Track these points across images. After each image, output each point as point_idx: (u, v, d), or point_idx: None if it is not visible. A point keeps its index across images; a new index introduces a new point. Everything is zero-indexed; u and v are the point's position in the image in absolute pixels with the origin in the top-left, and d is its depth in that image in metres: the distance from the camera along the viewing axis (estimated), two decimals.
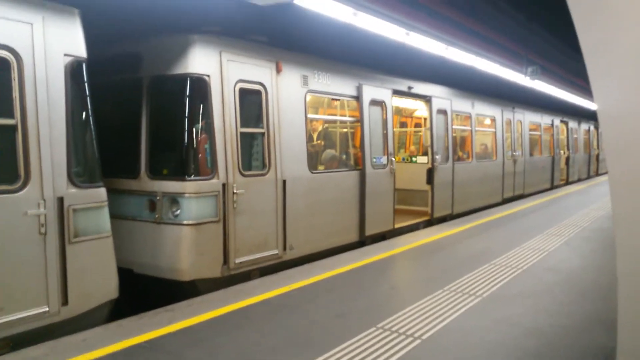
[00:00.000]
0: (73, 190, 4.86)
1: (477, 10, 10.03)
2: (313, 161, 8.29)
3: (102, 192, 5.16)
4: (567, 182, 21.73)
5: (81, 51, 5.02)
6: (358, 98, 8.87)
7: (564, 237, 9.37)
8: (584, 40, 2.95)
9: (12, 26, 4.47)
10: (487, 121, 14.84)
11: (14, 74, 4.49)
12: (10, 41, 4.45)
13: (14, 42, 4.47)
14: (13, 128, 4.48)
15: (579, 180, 23.44)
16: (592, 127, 25.74)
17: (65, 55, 4.88)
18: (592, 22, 2.88)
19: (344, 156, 9.54)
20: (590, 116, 24.44)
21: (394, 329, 4.93)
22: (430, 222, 11.21)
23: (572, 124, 22.53)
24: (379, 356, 4.32)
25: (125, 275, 5.82)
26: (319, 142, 9.20)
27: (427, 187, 11.30)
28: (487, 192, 14.23)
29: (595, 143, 26.71)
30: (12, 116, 4.47)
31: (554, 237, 9.43)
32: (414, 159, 12.68)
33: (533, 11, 12.19)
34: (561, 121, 21.02)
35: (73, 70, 4.93)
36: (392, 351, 4.42)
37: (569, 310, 5.49)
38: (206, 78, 6.28)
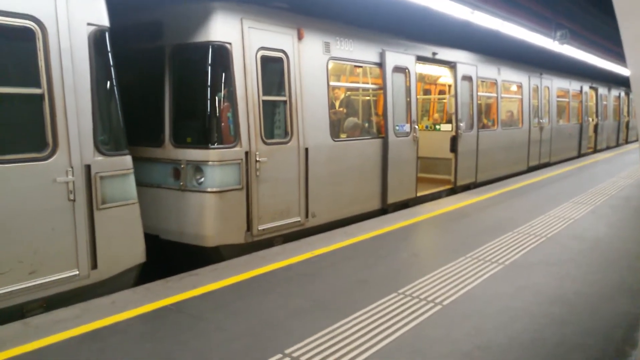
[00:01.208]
0: (99, 158, 4.96)
1: None
2: (335, 129, 8.27)
3: (127, 159, 5.25)
4: (595, 150, 21.27)
5: (104, 20, 5.04)
6: (381, 65, 8.75)
7: (590, 206, 9.23)
8: (618, 1, 2.84)
9: None
10: (514, 88, 14.52)
11: (39, 44, 4.54)
12: (34, 11, 4.48)
13: (38, 12, 4.51)
14: (40, 97, 4.56)
15: (608, 148, 22.91)
16: (622, 94, 24.98)
17: (89, 24, 4.90)
18: None
19: (367, 124, 9.47)
20: (621, 82, 23.68)
21: (415, 294, 4.97)
22: (454, 190, 11.15)
23: (602, 90, 21.90)
24: (399, 320, 4.38)
25: (152, 241, 5.97)
26: (341, 109, 9.15)
27: (451, 155, 11.18)
28: (512, 160, 14.04)
29: (625, 110, 25.96)
30: (38, 85, 4.55)
31: (580, 205, 9.30)
32: (437, 126, 12.54)
33: None
34: (590, 87, 20.45)
35: (96, 40, 4.96)
36: (412, 316, 4.47)
37: (593, 279, 5.45)
38: (228, 46, 6.26)
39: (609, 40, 16.08)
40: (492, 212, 8.83)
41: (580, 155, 19.26)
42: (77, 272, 4.82)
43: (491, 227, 7.72)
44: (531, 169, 15.01)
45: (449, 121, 11.88)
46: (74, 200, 4.76)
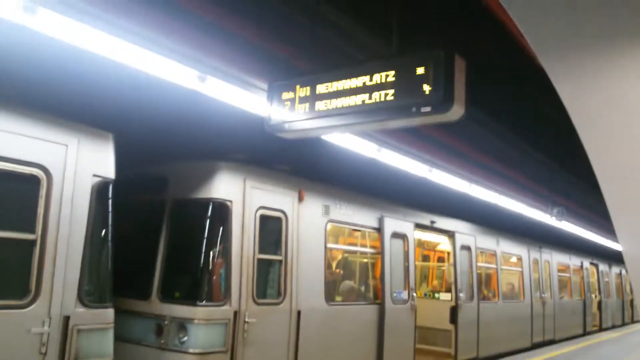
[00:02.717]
0: (81, 309, 4.73)
1: (498, 151, 10.27)
2: (330, 292, 8.05)
3: (110, 313, 5.01)
4: (601, 329, 20.50)
5: (110, 172, 5.18)
6: (379, 230, 8.83)
7: None
8: (602, 180, 2.93)
9: (48, 147, 4.67)
10: (514, 259, 14.49)
11: (42, 191, 4.61)
12: (43, 160, 4.63)
13: (47, 161, 4.64)
14: (32, 243, 4.51)
15: (614, 326, 22.10)
16: (623, 271, 24.84)
17: (94, 175, 5.02)
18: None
19: (363, 288, 9.26)
20: (620, 260, 23.70)
21: None
22: None
23: (603, 267, 21.82)
24: None
25: None
26: (337, 271, 9.02)
27: (451, 327, 10.74)
28: (515, 335, 13.44)
29: (628, 288, 25.60)
30: (33, 231, 4.52)
31: None
32: (436, 295, 12.25)
33: (556, 153, 12.45)
34: (591, 263, 20.41)
35: (99, 190, 5.04)
36: None
37: None
38: (228, 203, 6.38)
39: (605, 218, 16.43)
40: None
41: (585, 333, 18.51)
42: None
43: None
44: (535, 346, 14.30)
45: (448, 289, 11.64)
46: (44, 354, 4.44)
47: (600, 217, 16.36)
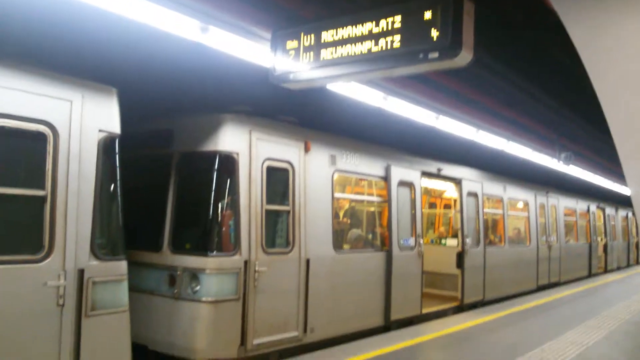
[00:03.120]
0: (94, 262, 4.84)
1: (507, 95, 10.11)
2: (338, 240, 8.16)
3: (123, 265, 5.12)
4: (606, 271, 20.81)
5: (115, 127, 5.16)
6: (386, 178, 8.85)
7: (604, 331, 8.79)
8: (613, 124, 2.88)
9: (52, 103, 4.65)
10: (520, 205, 14.55)
11: (49, 147, 4.61)
12: (49, 116, 4.61)
13: (53, 117, 4.63)
14: (42, 199, 4.55)
15: (619, 268, 22.43)
16: (630, 214, 24.95)
17: (100, 130, 5.01)
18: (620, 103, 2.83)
19: (370, 236, 9.38)
20: (628, 203, 23.75)
21: None
22: (460, 308, 10.74)
23: (609, 211, 21.91)
24: None
25: (140, 351, 5.66)
26: (345, 220, 9.12)
27: (457, 271, 10.92)
28: (521, 279, 13.68)
29: (634, 231, 25.78)
30: (42, 187, 4.56)
31: (593, 329, 8.87)
32: (443, 241, 12.40)
33: (566, 98, 12.25)
34: (598, 207, 20.48)
35: (106, 145, 5.04)
36: None
37: None
38: (235, 155, 6.38)
39: (613, 162, 16.37)
40: (501, 335, 8.42)
41: (590, 275, 18.81)
42: None
43: (500, 351, 7.30)
44: (541, 288, 14.58)
45: (455, 235, 11.77)
46: (62, 306, 4.57)
47: (608, 161, 16.27)
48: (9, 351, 4.26)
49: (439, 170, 10.45)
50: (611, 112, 3.22)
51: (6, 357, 4.23)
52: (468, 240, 10.98)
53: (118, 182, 5.21)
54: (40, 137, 4.57)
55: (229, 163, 6.36)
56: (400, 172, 9.14)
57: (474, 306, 11.11)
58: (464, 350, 7.42)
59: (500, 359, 6.81)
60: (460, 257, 10.86)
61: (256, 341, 6.34)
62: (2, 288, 4.23)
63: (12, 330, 4.27)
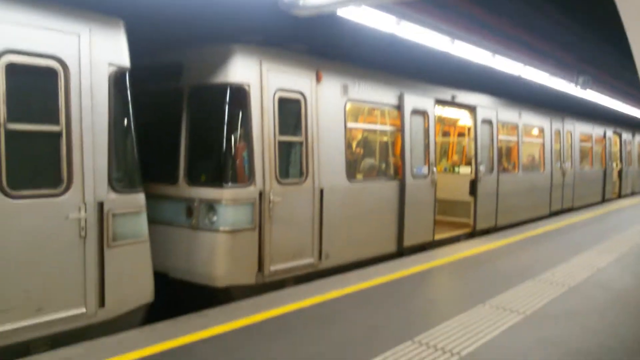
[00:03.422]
0: (113, 195, 4.97)
1: (525, 18, 9.75)
2: (351, 170, 8.22)
3: (141, 197, 5.25)
4: (620, 196, 20.81)
5: (125, 61, 5.14)
6: (399, 107, 8.75)
7: (615, 254, 8.92)
8: (636, 47, 2.79)
9: (60, 37, 4.62)
10: (535, 131, 14.40)
11: (61, 83, 4.64)
12: (58, 51, 4.60)
13: (62, 52, 4.62)
14: (58, 134, 4.62)
15: (633, 194, 22.40)
16: None
17: (110, 64, 5.01)
18: None
19: (383, 165, 9.41)
20: None
21: (430, 343, 4.78)
22: (473, 235, 10.91)
23: (626, 136, 21.60)
24: None
25: (161, 279, 5.90)
26: (358, 150, 9.13)
27: (470, 199, 11.01)
28: (534, 205, 13.77)
29: None
30: (57, 123, 4.62)
31: (605, 253, 9.00)
32: (456, 169, 12.41)
33: (585, 19, 11.78)
34: (614, 132, 20.19)
35: (116, 79, 5.05)
36: None
37: (618, 332, 5.19)
38: (246, 87, 6.33)
39: (632, 86, 15.95)
40: (512, 259, 8.59)
41: (604, 200, 18.84)
42: (85, 310, 4.76)
43: (512, 274, 7.48)
44: (554, 214, 14.70)
45: (468, 163, 11.77)
46: (85, 237, 4.75)
47: (627, 85, 15.86)
48: (37, 282, 4.46)
49: (453, 97, 10.30)
50: (634, 31, 3.09)
51: (35, 287, 4.45)
52: (481, 168, 10.98)
53: (131, 116, 5.25)
54: (51, 73, 4.59)
55: (240, 95, 6.32)
56: (414, 100, 9.02)
57: (486, 232, 11.28)
58: (476, 272, 7.61)
59: (511, 282, 6.98)
60: (474, 185, 10.91)
61: (273, 268, 6.56)
62: (26, 222, 4.39)
63: (38, 262, 4.47)
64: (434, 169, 9.48)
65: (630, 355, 4.61)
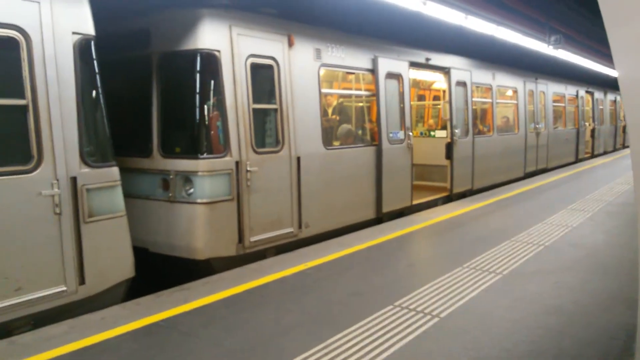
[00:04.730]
0: (86, 169, 4.84)
1: None
2: (328, 137, 8.16)
3: (114, 171, 5.13)
4: (593, 155, 21.24)
5: (89, 29, 4.94)
6: (374, 71, 8.67)
7: (588, 213, 9.15)
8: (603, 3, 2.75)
9: (20, 5, 4.40)
10: (509, 93, 14.48)
11: (23, 54, 4.44)
12: (18, 20, 4.39)
13: (23, 22, 4.41)
14: (24, 108, 4.45)
15: (605, 153, 22.90)
16: (618, 98, 25.00)
17: (74, 33, 4.80)
18: None
19: (360, 131, 9.38)
20: (616, 86, 23.68)
21: (411, 307, 4.86)
22: (450, 198, 11.04)
23: (598, 95, 21.91)
24: (396, 334, 4.26)
25: (141, 254, 5.84)
26: (333, 117, 9.06)
27: (447, 162, 11.09)
28: (509, 167, 13.96)
29: (622, 114, 25.96)
30: (22, 96, 4.44)
31: (578, 212, 9.21)
32: (432, 133, 12.45)
33: None
34: (586, 92, 20.44)
35: (82, 49, 4.85)
36: (409, 329, 4.36)
37: (591, 288, 5.35)
38: (216, 53, 6.16)
39: (603, 44, 16.08)
40: (489, 220, 8.74)
41: (577, 160, 19.21)
42: (65, 288, 4.69)
43: (488, 235, 7.62)
44: (528, 175, 14.94)
45: (444, 127, 11.80)
46: (60, 214, 4.64)
47: (598, 44, 15.98)
48: (13, 260, 4.37)
49: (427, 60, 10.23)
50: None
51: (11, 266, 4.35)
52: (457, 131, 11.03)
53: (99, 87, 5.08)
54: (12, 44, 4.38)
55: (210, 61, 6.15)
56: (388, 63, 8.94)
57: (463, 195, 11.42)
58: (454, 235, 7.74)
59: (488, 243, 7.11)
60: (449, 148, 10.98)
61: (253, 238, 6.54)
62: None
63: (13, 240, 4.36)
64: (410, 134, 9.47)
65: (603, 310, 4.76)
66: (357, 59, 8.36)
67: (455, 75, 11.08)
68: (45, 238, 4.56)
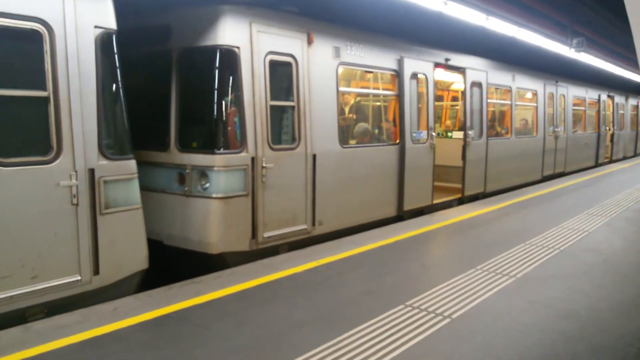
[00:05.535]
0: (104, 162, 4.90)
1: None
2: (344, 135, 8.15)
3: (132, 164, 5.19)
4: (612, 160, 20.93)
5: (111, 23, 4.99)
6: (398, 71, 8.65)
7: (606, 218, 9.02)
8: (631, 7, 2.72)
9: None
10: (529, 95, 14.31)
11: (46, 46, 4.50)
12: (42, 13, 4.45)
13: (46, 15, 4.47)
14: (45, 100, 4.52)
15: (625, 158, 22.55)
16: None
17: (96, 27, 4.85)
18: None
19: (377, 130, 9.36)
20: (638, 91, 23.31)
21: (423, 307, 4.84)
22: (461, 200, 10.95)
23: (619, 99, 21.56)
24: (406, 334, 4.25)
25: (156, 246, 5.90)
26: (350, 115, 9.05)
27: (462, 163, 11.00)
28: (526, 170, 13.79)
29: None
30: (44, 88, 4.50)
31: (595, 217, 9.09)
32: (449, 134, 12.37)
33: None
34: (607, 96, 20.13)
35: (103, 42, 4.91)
36: (420, 329, 4.35)
37: (607, 294, 5.28)
38: (236, 50, 6.19)
39: (626, 48, 15.83)
40: (504, 223, 8.66)
41: (596, 165, 18.94)
42: (79, 278, 4.76)
43: (503, 238, 7.56)
44: (546, 179, 14.77)
45: (462, 128, 11.72)
46: (77, 205, 4.70)
47: (621, 47, 15.75)
48: (30, 249, 4.44)
49: (447, 60, 10.16)
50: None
51: (28, 254, 4.42)
52: (470, 132, 10.92)
53: (119, 81, 5.14)
54: (36, 37, 4.44)
55: (230, 58, 6.18)
56: (413, 64, 8.92)
57: (475, 198, 11.31)
58: (468, 237, 7.69)
59: (503, 246, 7.05)
60: (464, 149, 10.89)
61: (267, 234, 6.57)
62: (17, 190, 4.33)
63: (30, 229, 4.43)
64: (433, 134, 9.46)
65: (619, 316, 4.70)
66: (380, 58, 8.34)
67: (471, 76, 10.96)
68: (62, 228, 4.62)
